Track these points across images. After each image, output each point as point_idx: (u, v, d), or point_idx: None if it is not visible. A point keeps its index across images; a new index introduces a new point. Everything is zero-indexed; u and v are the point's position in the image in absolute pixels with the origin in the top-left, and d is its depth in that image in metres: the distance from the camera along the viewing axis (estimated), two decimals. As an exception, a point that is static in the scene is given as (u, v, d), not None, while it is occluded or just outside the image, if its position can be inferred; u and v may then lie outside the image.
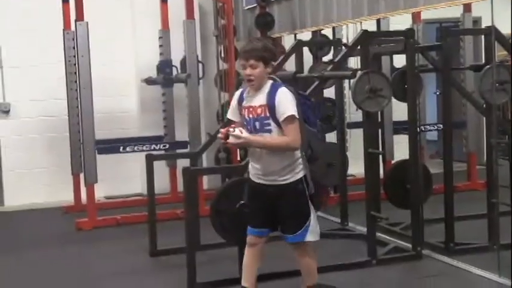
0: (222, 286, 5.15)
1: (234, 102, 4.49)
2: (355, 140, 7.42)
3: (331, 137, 7.33)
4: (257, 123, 4.27)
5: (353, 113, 7.54)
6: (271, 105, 4.20)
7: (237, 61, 4.49)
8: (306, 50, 7.36)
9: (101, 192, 8.29)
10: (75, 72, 7.85)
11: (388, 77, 5.92)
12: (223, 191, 5.19)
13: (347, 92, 7.42)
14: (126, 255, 6.33)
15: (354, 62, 7.62)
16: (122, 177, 9.05)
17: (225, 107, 8.17)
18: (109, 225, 7.51)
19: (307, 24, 7.75)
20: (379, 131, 7.11)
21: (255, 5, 8.58)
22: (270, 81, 4.32)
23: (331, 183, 7.49)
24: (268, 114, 4.22)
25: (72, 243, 7.00)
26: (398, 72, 6.72)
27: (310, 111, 4.47)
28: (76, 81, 7.86)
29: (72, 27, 7.86)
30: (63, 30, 8.22)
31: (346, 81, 7.17)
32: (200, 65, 8.14)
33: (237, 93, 4.51)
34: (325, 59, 7.77)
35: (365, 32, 5.75)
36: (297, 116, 4.18)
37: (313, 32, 7.86)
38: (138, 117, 9.23)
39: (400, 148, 7.32)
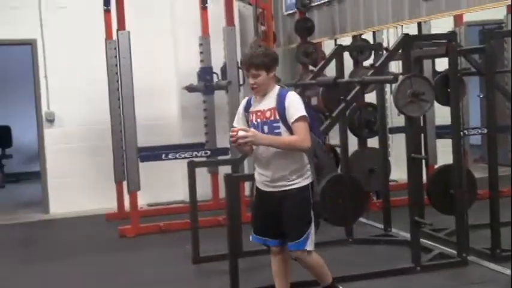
0: (264, 293, 5.13)
1: (240, 109, 4.46)
2: (397, 145, 7.35)
3: (373, 143, 7.27)
4: (266, 127, 4.25)
5: (395, 118, 7.46)
6: (281, 108, 4.20)
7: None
8: (346, 54, 7.31)
9: (143, 199, 8.33)
10: (118, 81, 7.92)
11: (431, 81, 5.84)
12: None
13: (388, 97, 7.35)
14: (169, 263, 6.35)
15: (396, 66, 7.56)
16: (164, 185, 9.09)
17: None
18: (152, 232, 7.55)
19: (347, 28, 7.70)
20: (422, 135, 7.03)
21: (294, 10, 8.55)
22: (278, 87, 4.31)
23: (373, 189, 7.47)
24: (277, 117, 4.21)
25: (116, 250, 7.04)
26: (440, 75, 6.61)
27: (315, 122, 4.45)
28: (118, 90, 7.94)
29: (114, 37, 7.93)
30: (105, 39, 8.31)
31: (388, 85, 7.12)
32: (241, 72, 8.14)
33: (244, 101, 4.49)
34: (366, 63, 7.69)
35: (406, 36, 5.70)
36: (307, 118, 4.18)
37: (354, 37, 7.80)
38: (179, 125, 9.27)
39: (443, 153, 7.23)
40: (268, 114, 4.25)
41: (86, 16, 8.86)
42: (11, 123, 12.55)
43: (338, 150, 7.14)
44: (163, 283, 5.77)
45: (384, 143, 6.96)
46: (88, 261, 6.67)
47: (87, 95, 9.02)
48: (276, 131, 4.21)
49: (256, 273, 5.58)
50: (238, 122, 4.42)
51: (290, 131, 4.19)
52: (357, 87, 5.74)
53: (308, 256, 4.37)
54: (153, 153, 7.98)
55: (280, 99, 4.21)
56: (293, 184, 4.25)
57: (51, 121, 9.14)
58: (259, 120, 4.28)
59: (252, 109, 4.35)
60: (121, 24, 7.58)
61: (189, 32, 8.84)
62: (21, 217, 9.15)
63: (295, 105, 4.19)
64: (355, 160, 6.95)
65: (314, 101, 8.10)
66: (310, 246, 4.30)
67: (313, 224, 4.32)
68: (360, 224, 6.80)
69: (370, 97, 7.29)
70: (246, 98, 4.48)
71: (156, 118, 9.16)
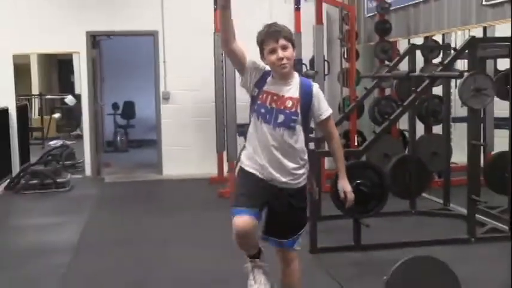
0: (338, 251, 5.11)
1: (254, 63, 3.23)
2: (459, 133, 7.15)
3: (438, 129, 7.09)
4: (281, 116, 3.13)
5: (458, 109, 7.23)
6: (306, 101, 3.15)
7: (267, 46, 3.15)
8: (418, 53, 7.13)
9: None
10: (222, 68, 7.98)
11: (492, 78, 5.62)
12: (343, 172, 5.12)
13: (453, 90, 7.13)
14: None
15: (461, 64, 7.31)
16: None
17: (346, 100, 8.07)
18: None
19: (420, 30, 7.50)
20: (482, 125, 6.81)
21: (375, 13, 8.39)
22: (297, 73, 3.25)
23: (435, 169, 7.29)
24: (298, 110, 3.14)
25: (215, 208, 7.12)
26: (501, 74, 6.38)
27: None
28: (223, 75, 8.00)
29: (221, 30, 7.97)
30: (214, 32, 8.37)
31: (453, 80, 6.91)
32: (326, 64, 8.06)
33: (260, 69, 3.23)
34: (435, 61, 7.49)
35: (473, 38, 5.49)
36: None
37: (425, 38, 7.59)
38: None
39: (500, 142, 6.99)
40: (289, 104, 3.14)
41: (199, 12, 8.94)
42: (135, 99, 12.90)
43: (407, 134, 7.03)
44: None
45: (447, 130, 6.78)
46: (191, 216, 6.81)
47: (197, 78, 9.13)
48: (292, 124, 3.14)
49: (332, 235, 5.55)
50: (250, 78, 3.21)
51: (305, 125, 3.18)
52: (427, 81, 5.59)
53: (296, 254, 3.33)
54: (249, 129, 8.02)
55: (305, 90, 3.16)
56: (298, 183, 3.22)
57: (166, 99, 9.32)
58: (273, 105, 3.14)
59: (266, 87, 3.18)
60: (227, 20, 7.59)
61: (283, 28, 8.78)
62: (140, 176, 9.44)
63: (324, 101, 3.22)
64: (421, 144, 6.80)
65: (388, 91, 7.96)
66: (298, 245, 3.30)
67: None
68: (422, 199, 6.67)
69: (437, 90, 7.11)
70: (264, 68, 3.22)
71: (253, 100, 9.20)
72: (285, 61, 3.12)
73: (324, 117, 3.20)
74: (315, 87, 3.21)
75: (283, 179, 3.17)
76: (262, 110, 3.16)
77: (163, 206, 7.33)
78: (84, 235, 5.97)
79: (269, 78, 3.20)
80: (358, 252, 5.06)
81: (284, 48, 3.12)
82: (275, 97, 3.15)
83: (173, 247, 5.57)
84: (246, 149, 3.28)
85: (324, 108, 3.20)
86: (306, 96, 3.17)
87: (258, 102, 3.18)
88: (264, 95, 3.17)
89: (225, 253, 5.34)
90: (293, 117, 3.15)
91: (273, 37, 3.14)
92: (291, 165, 3.17)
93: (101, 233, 6.13)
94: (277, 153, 3.15)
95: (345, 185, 3.31)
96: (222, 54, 7.87)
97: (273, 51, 3.13)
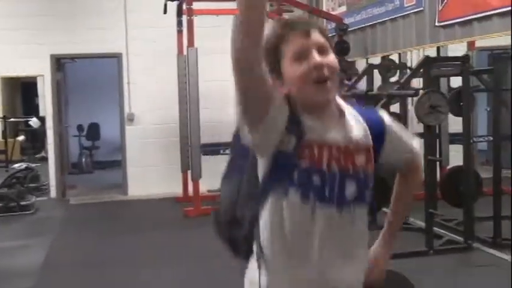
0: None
1: (282, 108, 1.65)
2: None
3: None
4: (352, 186, 1.67)
5: (414, 125, 7.37)
6: (379, 146, 1.74)
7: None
8: (375, 72, 7.26)
9: (204, 186, 8.38)
10: (186, 89, 8.00)
11: (446, 96, 5.77)
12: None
13: (410, 108, 7.28)
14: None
15: (417, 83, 7.47)
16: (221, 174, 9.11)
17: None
18: (210, 213, 7.57)
19: (377, 50, 7.64)
20: (437, 141, 6.95)
21: (334, 34, 8.51)
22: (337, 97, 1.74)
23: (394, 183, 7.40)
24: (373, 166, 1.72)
25: (181, 227, 7.12)
26: (454, 91, 6.54)
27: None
28: (186, 96, 8.02)
29: (185, 52, 8.01)
30: (177, 54, 8.40)
31: (410, 98, 7.05)
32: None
33: (283, 103, 1.65)
34: (392, 79, 7.63)
35: (427, 58, 5.64)
36: None
37: (382, 57, 7.74)
38: (234, 125, 9.28)
39: (455, 156, 7.14)
40: (361, 157, 1.68)
41: (162, 35, 8.95)
42: (100, 120, 12.79)
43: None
44: (222, 254, 5.80)
45: (404, 146, 6.89)
46: (158, 235, 6.76)
47: (161, 100, 9.12)
48: (368, 193, 1.72)
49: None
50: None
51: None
52: (384, 99, 5.70)
53: None
54: (213, 149, 8.07)
55: (374, 123, 1.73)
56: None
57: (131, 120, 9.28)
58: (334, 167, 1.65)
59: (310, 134, 1.63)
60: (190, 42, 7.65)
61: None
62: (106, 197, 9.32)
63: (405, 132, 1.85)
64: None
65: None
66: None
67: None
68: (381, 213, 6.74)
69: (395, 107, 7.24)
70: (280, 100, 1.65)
71: (216, 120, 9.19)
72: (326, 72, 1.61)
73: (415, 155, 1.85)
74: (385, 115, 1.80)
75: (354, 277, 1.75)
76: (316, 179, 1.63)
77: (130, 227, 7.26)
78: (49, 258, 5.88)
79: (303, 116, 1.64)
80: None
81: (322, 50, 1.64)
82: (334, 150, 1.64)
83: (141, 268, 5.51)
84: (267, 267, 1.73)
85: (412, 143, 1.84)
86: (379, 135, 1.73)
87: (302, 163, 1.62)
88: (314, 149, 1.63)
89: (192, 272, 5.34)
90: (370, 182, 1.71)
91: (299, 30, 1.65)
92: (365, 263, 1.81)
93: (66, 255, 6.05)
94: (352, 249, 1.76)
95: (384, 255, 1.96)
96: (185, 75, 7.89)
97: (302, 55, 1.63)
